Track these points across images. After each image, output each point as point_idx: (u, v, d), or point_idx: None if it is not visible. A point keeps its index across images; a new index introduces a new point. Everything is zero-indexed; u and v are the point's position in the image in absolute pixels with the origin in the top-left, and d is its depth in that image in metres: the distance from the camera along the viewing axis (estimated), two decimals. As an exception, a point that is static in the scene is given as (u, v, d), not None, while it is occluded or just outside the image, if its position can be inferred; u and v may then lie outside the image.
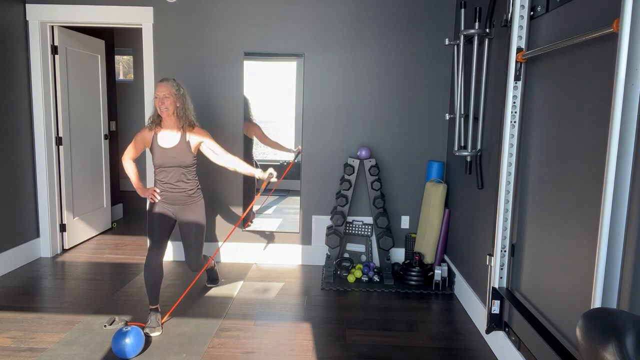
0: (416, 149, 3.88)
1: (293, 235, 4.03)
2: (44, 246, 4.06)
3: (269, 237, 4.04)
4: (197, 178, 2.93)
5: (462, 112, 3.16)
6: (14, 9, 3.71)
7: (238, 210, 4.00)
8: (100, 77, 4.75)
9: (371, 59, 3.80)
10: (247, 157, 3.97)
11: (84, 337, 2.64)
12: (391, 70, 3.80)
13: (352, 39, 3.78)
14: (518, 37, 2.21)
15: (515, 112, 2.29)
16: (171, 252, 4.04)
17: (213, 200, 3.96)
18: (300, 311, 3.08)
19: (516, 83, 2.27)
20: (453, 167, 3.65)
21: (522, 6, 2.20)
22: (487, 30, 2.81)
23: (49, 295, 3.24)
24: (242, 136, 3.90)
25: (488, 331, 2.51)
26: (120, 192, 5.63)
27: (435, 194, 3.61)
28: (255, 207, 4.10)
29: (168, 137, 2.79)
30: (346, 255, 3.94)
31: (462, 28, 3.09)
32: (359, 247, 3.93)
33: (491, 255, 2.45)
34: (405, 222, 3.97)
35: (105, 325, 2.74)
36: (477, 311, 2.92)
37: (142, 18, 3.78)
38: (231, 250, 4.04)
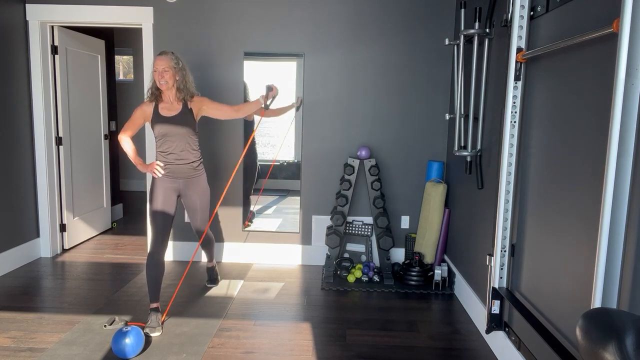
0: (416, 149, 3.88)
1: (293, 235, 4.03)
2: (44, 246, 4.06)
3: (269, 237, 4.04)
4: (200, 150, 2.95)
5: (462, 112, 3.16)
6: (14, 9, 3.71)
7: (238, 210, 4.00)
8: (100, 77, 4.75)
9: (371, 59, 3.80)
10: (250, 150, 3.97)
11: (84, 337, 2.64)
12: (391, 70, 3.80)
13: (352, 39, 3.78)
14: (518, 37, 2.21)
15: (515, 112, 2.29)
16: (171, 252, 4.04)
17: (213, 200, 3.95)
18: (300, 311, 3.08)
19: (516, 83, 2.27)
20: (453, 167, 3.65)
21: (522, 6, 2.20)
22: (487, 30, 2.81)
23: (49, 295, 3.24)
24: (242, 136, 3.90)
25: (488, 331, 2.51)
26: (120, 192, 5.63)
27: (435, 194, 3.61)
28: (255, 207, 4.09)
29: (170, 108, 2.80)
30: (346, 255, 3.94)
31: (462, 28, 3.09)
32: (359, 247, 3.93)
33: (491, 255, 2.45)
34: (405, 222, 3.97)
35: (105, 325, 2.74)
36: (477, 311, 2.92)
37: (142, 18, 3.79)
38: (231, 250, 4.04)
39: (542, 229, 2.08)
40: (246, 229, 4.05)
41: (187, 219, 3.98)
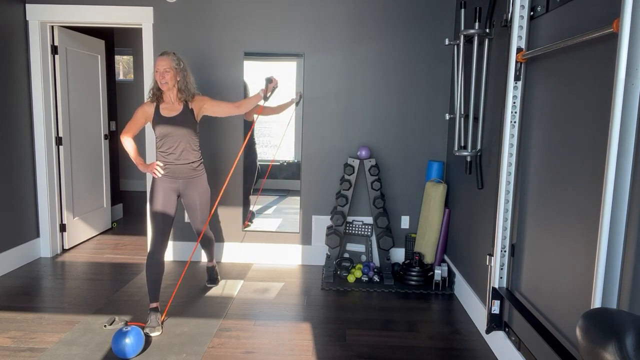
0: (416, 149, 3.88)
1: (293, 235, 4.03)
2: (44, 246, 4.06)
3: (269, 237, 4.04)
4: (200, 151, 2.95)
5: (462, 112, 3.16)
6: (14, 9, 3.71)
7: (238, 210, 4.00)
8: (100, 77, 4.75)
9: (371, 59, 3.80)
10: (249, 147, 3.97)
11: (84, 337, 2.64)
12: (391, 70, 3.80)
13: (352, 39, 3.78)
14: (518, 37, 2.21)
15: (515, 112, 2.29)
16: (171, 252, 4.04)
17: (212, 198, 3.95)
18: (300, 311, 3.08)
19: (516, 83, 2.27)
20: (453, 167, 3.65)
21: (522, 6, 2.20)
22: (487, 30, 2.81)
23: (49, 295, 3.24)
24: (242, 135, 3.90)
25: (488, 331, 2.51)
26: (120, 192, 5.63)
27: (435, 194, 3.61)
28: (255, 207, 4.09)
29: (171, 108, 2.80)
30: (346, 255, 3.94)
31: (462, 28, 3.09)
32: (359, 247, 3.93)
33: (491, 255, 2.45)
34: (405, 222, 3.97)
35: (105, 325, 2.74)
36: (477, 311, 2.91)
37: (142, 18, 3.79)
38: (231, 250, 4.04)
39: (542, 229, 2.08)
40: (246, 229, 4.05)
41: (187, 219, 3.99)
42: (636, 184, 1.42)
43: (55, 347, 2.51)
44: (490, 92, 2.83)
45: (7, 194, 3.68)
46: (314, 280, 3.66)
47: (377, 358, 2.50)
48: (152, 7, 3.77)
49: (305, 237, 4.02)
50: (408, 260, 3.70)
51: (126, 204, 6.23)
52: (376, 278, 3.62)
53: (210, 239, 3.28)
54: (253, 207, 4.08)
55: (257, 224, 4.09)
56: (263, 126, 4.00)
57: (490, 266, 2.45)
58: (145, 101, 2.88)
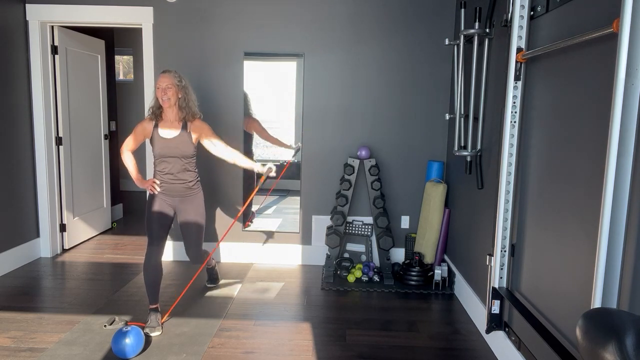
0: (416, 149, 3.88)
1: (293, 235, 4.03)
2: (44, 246, 4.06)
3: (269, 237, 4.04)
4: (197, 170, 2.93)
5: (462, 112, 3.16)
6: (14, 9, 3.71)
7: (238, 210, 4.00)
8: (100, 77, 4.75)
9: (371, 58, 3.80)
10: (247, 154, 3.97)
11: (84, 337, 2.64)
12: (391, 70, 3.80)
13: (352, 39, 3.78)
14: (518, 37, 2.21)
15: (515, 112, 2.29)
16: (171, 252, 4.04)
17: (213, 198, 3.95)
18: (300, 311, 3.08)
19: (516, 83, 2.27)
20: (453, 167, 3.65)
21: (522, 6, 2.20)
22: (487, 30, 2.81)
23: (49, 295, 3.24)
24: (242, 136, 3.90)
25: (488, 331, 2.51)
26: (120, 192, 5.63)
27: (435, 194, 3.61)
28: (255, 207, 4.10)
29: (169, 128, 2.79)
30: (346, 255, 3.94)
31: (462, 28, 3.09)
32: (359, 247, 3.93)
33: (491, 255, 2.45)
34: (405, 222, 3.97)
35: (105, 325, 2.74)
36: (477, 311, 2.92)
37: (142, 18, 3.79)
38: (231, 250, 4.04)
39: (542, 229, 2.08)
40: (246, 229, 4.05)
41: None
42: (636, 184, 1.42)
43: (55, 347, 2.51)
44: (490, 92, 2.83)
45: (7, 194, 3.68)
46: (314, 280, 3.66)
47: (377, 358, 2.50)
48: (152, 7, 3.77)
49: (305, 237, 4.02)
50: (408, 260, 3.70)
51: (126, 204, 6.23)
52: (376, 278, 3.62)
53: (203, 253, 3.20)
54: (254, 207, 4.09)
55: (257, 224, 4.09)
56: (267, 126, 4.01)
57: (490, 266, 2.45)
58: (145, 118, 2.87)
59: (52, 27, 3.97)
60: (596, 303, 1.49)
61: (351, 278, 3.61)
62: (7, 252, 3.68)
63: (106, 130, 4.90)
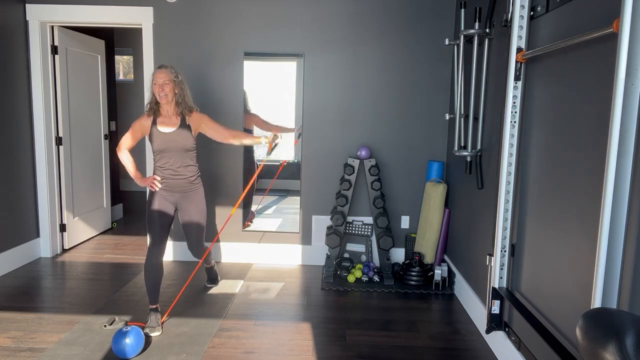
0: (416, 149, 3.88)
1: (293, 235, 4.03)
2: (44, 246, 4.06)
3: (269, 237, 4.04)
4: (197, 165, 2.93)
5: (462, 112, 3.16)
6: (14, 9, 3.71)
7: (238, 210, 4.00)
8: (100, 77, 4.75)
9: (371, 59, 3.80)
10: (248, 152, 3.97)
11: (84, 337, 2.64)
12: (391, 70, 3.80)
13: (352, 39, 3.78)
14: (518, 37, 2.21)
15: (515, 112, 2.29)
16: (171, 252, 4.04)
17: (213, 197, 3.95)
18: (300, 311, 3.08)
19: (516, 83, 2.27)
20: (453, 167, 3.65)
21: (522, 6, 2.20)
22: (487, 30, 2.81)
23: (49, 295, 3.24)
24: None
25: (488, 331, 2.51)
26: (120, 192, 5.63)
27: (435, 194, 3.61)
28: (255, 207, 4.10)
29: (168, 122, 2.79)
30: (346, 255, 3.94)
31: (462, 28, 3.09)
32: (359, 247, 3.93)
33: (491, 255, 2.45)
34: (405, 222, 3.97)
35: (105, 325, 2.74)
36: (477, 311, 2.92)
37: (142, 18, 3.79)
38: (231, 250, 4.04)
39: (542, 229, 2.08)
40: (246, 229, 4.05)
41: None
42: (636, 184, 1.42)
43: (55, 347, 2.51)
44: (490, 92, 2.83)
45: (7, 194, 3.68)
46: (314, 280, 3.66)
47: (377, 358, 2.50)
48: (152, 7, 3.77)
49: (305, 237, 4.02)
50: (408, 260, 3.70)
51: (126, 204, 6.23)
52: (376, 278, 3.62)
53: (204, 249, 3.23)
54: (254, 207, 4.09)
55: (257, 224, 4.09)
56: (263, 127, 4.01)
57: (490, 266, 2.45)
58: (143, 114, 2.87)
59: (52, 27, 3.97)
60: (596, 303, 1.49)
61: (351, 278, 3.61)
62: (7, 252, 3.68)
63: (106, 130, 4.90)
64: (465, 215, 3.27)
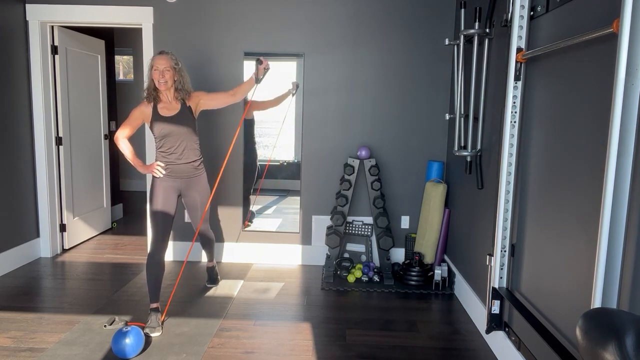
0: (416, 149, 3.88)
1: (293, 235, 4.03)
2: (44, 246, 4.06)
3: (269, 237, 4.04)
4: (199, 149, 2.94)
5: (462, 112, 3.16)
6: (14, 9, 3.71)
7: (238, 210, 4.00)
8: (100, 77, 4.75)
9: (371, 58, 3.80)
10: (250, 150, 3.97)
11: (84, 337, 2.64)
12: (391, 70, 3.80)
13: (352, 39, 3.78)
14: (518, 37, 2.21)
15: (515, 112, 2.29)
16: (171, 252, 4.04)
17: (213, 199, 3.95)
18: (300, 311, 3.08)
19: (516, 83, 2.27)
20: (453, 167, 3.65)
21: (522, 6, 2.20)
22: (487, 30, 2.81)
23: (49, 295, 3.24)
24: (242, 136, 3.90)
25: (488, 331, 2.51)
26: (120, 192, 5.63)
27: (435, 194, 3.61)
28: (255, 207, 4.09)
29: (169, 107, 2.79)
30: (346, 255, 3.94)
31: (462, 28, 3.09)
32: (359, 247, 3.93)
33: (491, 255, 2.45)
34: (405, 222, 3.97)
35: (105, 325, 2.74)
36: (477, 311, 2.92)
37: (142, 18, 3.79)
38: (231, 250, 4.04)
39: (542, 229, 2.08)
40: (246, 229, 4.05)
41: (187, 219, 3.99)
42: (636, 184, 1.42)
43: (55, 347, 2.51)
44: (490, 92, 2.83)
45: (7, 194, 3.68)
46: (314, 280, 3.66)
47: (377, 358, 2.50)
48: (152, 7, 3.77)
49: (305, 237, 4.02)
50: (408, 260, 3.70)
51: (126, 204, 6.23)
52: (376, 278, 3.62)
53: (211, 239, 3.28)
54: (253, 207, 4.09)
55: (257, 224, 4.09)
56: (263, 127, 4.01)
57: (490, 266, 2.45)
58: (142, 101, 2.86)
59: (52, 27, 3.97)
60: (596, 303, 1.49)
61: (351, 278, 3.61)
62: (7, 252, 3.68)
63: (106, 130, 4.90)
64: (465, 215, 3.27)
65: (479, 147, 2.93)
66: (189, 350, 2.52)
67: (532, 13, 2.20)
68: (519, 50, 2.22)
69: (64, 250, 4.24)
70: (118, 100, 7.05)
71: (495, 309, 2.47)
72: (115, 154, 5.29)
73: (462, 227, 3.32)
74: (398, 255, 3.99)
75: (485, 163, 2.89)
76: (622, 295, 1.49)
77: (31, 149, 3.94)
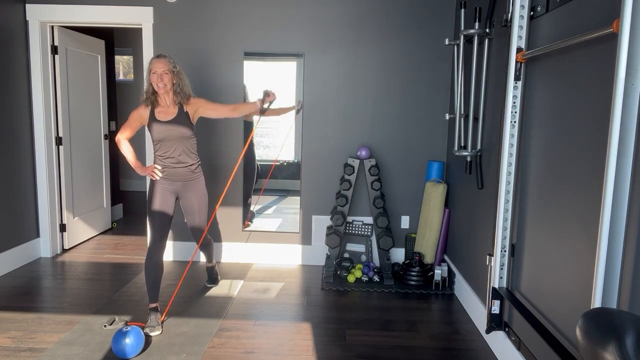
0: (416, 149, 3.88)
1: (293, 235, 4.03)
2: (44, 246, 4.06)
3: (269, 237, 4.04)
4: (197, 153, 2.94)
5: (462, 112, 3.16)
6: (14, 9, 3.71)
7: (238, 210, 4.00)
8: (100, 77, 4.75)
9: (371, 59, 3.80)
10: (249, 149, 3.97)
11: (84, 337, 2.64)
12: (391, 70, 3.80)
13: (352, 39, 3.78)
14: (518, 37, 2.21)
15: (515, 112, 2.29)
16: (171, 252, 4.04)
17: (212, 200, 3.95)
18: (300, 311, 3.08)
19: (516, 83, 2.27)
20: (453, 167, 3.65)
21: (522, 6, 2.20)
22: (487, 30, 2.81)
23: (49, 295, 3.24)
24: (242, 136, 3.90)
25: (488, 331, 2.51)
26: (120, 192, 5.63)
27: (435, 194, 3.61)
28: (255, 207, 4.10)
29: (166, 111, 2.79)
30: (346, 255, 3.94)
31: (462, 28, 3.09)
32: (359, 247, 3.93)
33: (491, 255, 2.45)
34: (405, 222, 3.97)
35: (105, 325, 2.74)
36: (477, 311, 2.91)
37: (142, 18, 3.79)
38: (231, 250, 4.04)
39: (542, 229, 2.08)
40: (246, 229, 4.05)
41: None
42: (636, 184, 1.42)
43: (55, 347, 2.51)
44: (490, 92, 2.83)
45: (7, 194, 3.68)
46: (314, 280, 3.66)
47: (377, 358, 2.50)
48: (152, 7, 3.77)
49: (305, 237, 4.02)
50: (408, 260, 3.70)
51: (126, 204, 6.23)
52: (376, 278, 3.62)
53: (209, 241, 3.27)
54: (253, 207, 4.09)
55: (257, 224, 4.09)
56: (264, 126, 4.01)
57: (490, 266, 2.45)
58: (140, 104, 2.86)
59: (52, 27, 3.97)
60: (596, 303, 1.49)
61: (351, 278, 3.61)
62: (7, 252, 3.68)
63: (106, 130, 4.90)
64: (465, 215, 3.27)
65: (479, 147, 2.93)
66: (189, 350, 2.52)
67: (532, 13, 2.20)
68: (519, 50, 2.22)
69: (64, 250, 4.24)
70: (118, 100, 7.05)
71: (495, 309, 2.47)
72: (115, 154, 5.29)
73: (462, 227, 3.32)
74: (398, 255, 3.99)
75: (485, 163, 2.89)
76: (622, 295, 1.49)
77: (31, 149, 3.94)
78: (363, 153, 3.70)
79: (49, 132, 3.98)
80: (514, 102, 2.28)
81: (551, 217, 1.99)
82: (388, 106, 3.84)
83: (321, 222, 3.98)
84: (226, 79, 3.85)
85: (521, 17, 2.20)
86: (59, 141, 4.09)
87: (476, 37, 2.94)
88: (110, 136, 5.13)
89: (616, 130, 1.42)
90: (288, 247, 4.03)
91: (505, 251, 2.40)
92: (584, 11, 1.78)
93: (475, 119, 3.03)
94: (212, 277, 3.45)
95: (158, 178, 2.79)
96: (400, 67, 3.79)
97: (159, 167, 2.79)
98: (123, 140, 2.82)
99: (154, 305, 2.78)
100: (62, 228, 4.21)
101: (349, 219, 3.93)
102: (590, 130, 1.71)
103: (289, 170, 4.00)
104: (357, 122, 3.87)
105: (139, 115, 2.80)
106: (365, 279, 3.62)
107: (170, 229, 2.86)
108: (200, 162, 2.97)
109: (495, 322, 2.49)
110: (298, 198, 4.00)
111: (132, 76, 7.14)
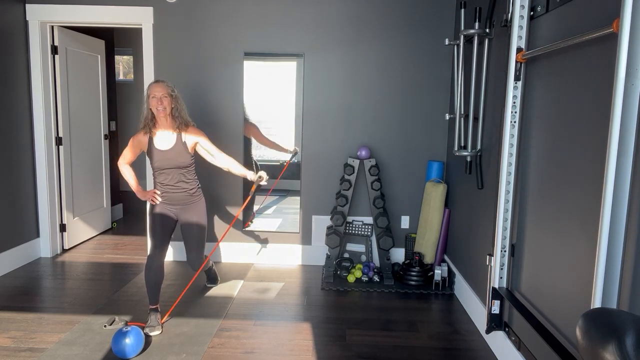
0: (416, 149, 3.88)
1: (293, 235, 4.03)
2: (44, 246, 4.06)
3: (269, 237, 4.04)
4: (196, 177, 2.95)
5: (462, 112, 3.16)
6: (14, 9, 3.71)
7: (238, 210, 4.00)
8: (100, 77, 4.75)
9: (371, 58, 3.80)
10: (246, 157, 3.97)
11: (84, 337, 2.64)
12: (391, 70, 3.80)
13: (352, 39, 3.78)
14: (518, 37, 2.21)
15: (515, 112, 2.29)
16: (171, 253, 4.04)
17: (212, 200, 3.95)
18: (300, 311, 3.08)
19: (516, 83, 2.27)
20: (453, 167, 3.64)
21: (522, 6, 2.20)
22: (487, 30, 2.81)
23: (49, 295, 3.24)
24: (242, 137, 3.90)
25: (488, 331, 2.51)
26: (120, 192, 5.63)
27: (435, 194, 3.61)
28: (255, 207, 4.10)
29: (164, 139, 2.80)
30: (346, 255, 3.94)
31: (462, 28, 3.09)
32: (359, 247, 3.93)
33: (491, 255, 2.45)
34: (405, 222, 3.96)
35: (105, 325, 2.74)
36: (477, 311, 2.91)
37: (142, 18, 3.78)
38: (231, 250, 4.04)
39: (542, 229, 2.08)
40: (246, 228, 4.05)
41: None
42: (636, 184, 1.42)
43: (55, 347, 2.51)
44: (490, 92, 2.83)
45: (7, 194, 3.68)
46: (314, 280, 3.66)
47: (377, 358, 2.50)
48: (152, 7, 3.76)
49: (305, 237, 4.02)
50: (408, 260, 3.70)
51: (126, 204, 6.22)
52: (376, 278, 3.62)
53: (211, 265, 3.39)
54: (254, 208, 4.09)
55: (257, 224, 4.09)
56: (264, 126, 4.01)
57: (490, 266, 2.45)
58: (139, 131, 2.85)
59: (52, 27, 3.97)
60: (596, 303, 1.49)
61: (351, 278, 3.61)
62: (7, 252, 3.68)
63: (106, 130, 4.90)
64: (465, 215, 3.27)
65: (479, 147, 2.93)
66: (189, 350, 2.52)
67: (532, 13, 2.20)
68: (519, 50, 2.22)
69: (64, 250, 4.24)
70: (118, 101, 7.04)
71: (495, 309, 2.47)
72: (115, 154, 5.28)
73: (462, 227, 3.32)
74: (398, 255, 3.99)
75: (485, 163, 2.89)
76: (622, 295, 1.49)
77: (31, 149, 3.94)
78: (363, 153, 3.70)
79: (49, 132, 3.98)
80: (514, 102, 2.28)
81: (551, 217, 1.99)
82: (388, 106, 3.84)
83: (321, 222, 3.98)
84: (226, 79, 3.85)
85: (521, 17, 2.20)
86: (59, 141, 4.09)
87: (476, 37, 2.94)
88: (110, 136, 5.13)
89: (616, 130, 1.42)
90: (288, 247, 4.03)
91: (505, 251, 2.40)
92: (584, 11, 1.78)
93: (475, 119, 3.03)
94: (211, 277, 3.45)
95: (158, 202, 2.84)
96: (401, 67, 3.79)
97: (159, 192, 2.83)
98: (124, 165, 2.90)
99: (154, 306, 2.78)
100: (62, 228, 4.21)
101: (349, 219, 3.93)
102: (591, 130, 1.71)
103: (289, 170, 4.00)
104: (357, 122, 3.87)
105: (139, 141, 2.83)
106: (365, 279, 3.62)
107: (170, 238, 2.87)
108: (200, 185, 2.98)
109: (495, 322, 2.49)
110: (298, 198, 4.00)
111: (132, 76, 7.14)
